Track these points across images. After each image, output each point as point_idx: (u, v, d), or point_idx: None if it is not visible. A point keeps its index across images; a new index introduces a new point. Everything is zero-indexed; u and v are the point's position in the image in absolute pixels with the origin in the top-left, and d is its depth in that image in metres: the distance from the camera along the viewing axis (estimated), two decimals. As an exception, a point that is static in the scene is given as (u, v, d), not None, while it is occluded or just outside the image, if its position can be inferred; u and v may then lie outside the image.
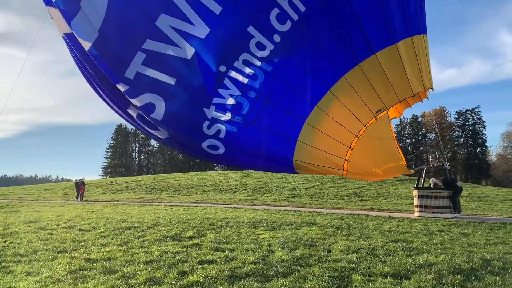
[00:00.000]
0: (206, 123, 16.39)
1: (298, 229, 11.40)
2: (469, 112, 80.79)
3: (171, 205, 22.49)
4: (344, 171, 16.24)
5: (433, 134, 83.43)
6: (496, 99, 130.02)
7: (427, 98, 16.79)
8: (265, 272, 6.44)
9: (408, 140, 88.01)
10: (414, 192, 17.17)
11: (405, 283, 5.93)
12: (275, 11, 14.56)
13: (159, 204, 23.60)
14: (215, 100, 16.26)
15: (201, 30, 15.45)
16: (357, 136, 15.53)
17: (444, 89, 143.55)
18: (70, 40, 17.09)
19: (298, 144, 15.81)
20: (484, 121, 79.78)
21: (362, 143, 15.64)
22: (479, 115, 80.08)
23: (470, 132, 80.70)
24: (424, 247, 8.76)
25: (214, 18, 14.98)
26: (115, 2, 15.94)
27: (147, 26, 15.90)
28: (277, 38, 14.83)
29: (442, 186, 16.91)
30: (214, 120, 16.39)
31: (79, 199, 30.16)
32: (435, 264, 7.05)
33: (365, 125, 15.78)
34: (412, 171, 18.18)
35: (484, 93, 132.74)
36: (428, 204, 16.38)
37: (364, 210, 19.48)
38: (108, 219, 13.01)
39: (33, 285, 5.65)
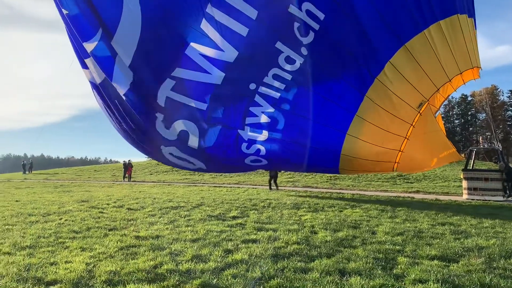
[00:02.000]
0: (244, 144, 16.17)
1: (341, 211, 11.33)
2: (524, 90, 76.34)
3: (214, 186, 22.93)
4: (394, 170, 15.37)
5: (484, 114, 79.72)
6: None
7: (478, 77, 15.76)
8: (308, 252, 6.47)
9: (456, 121, 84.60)
10: (463, 174, 16.57)
11: (453, 266, 5.78)
12: (296, 24, 14.07)
13: (203, 185, 24.12)
14: (248, 120, 16.09)
15: (230, 54, 15.25)
16: (406, 137, 14.98)
17: (496, 66, 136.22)
18: (103, 88, 16.85)
19: (342, 157, 15.39)
20: (540, 100, 75.24)
21: (412, 143, 15.02)
22: (535, 93, 75.55)
23: (524, 112, 76.43)
24: (473, 230, 8.48)
25: (242, 41, 14.79)
26: (146, 35, 15.58)
27: (177, 55, 15.63)
28: (304, 50, 14.39)
29: (501, 170, 16.08)
30: (252, 141, 16.18)
31: (126, 180, 31.34)
32: (485, 247, 6.81)
33: (412, 124, 15.15)
34: (463, 155, 17.50)
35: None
36: (478, 187, 15.76)
37: (410, 192, 19.04)
38: (155, 199, 13.46)
39: (88, 260, 5.97)
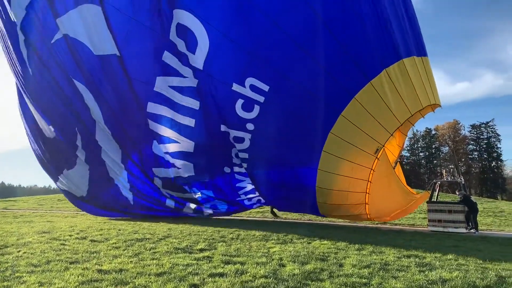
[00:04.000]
0: (248, 202, 17.85)
1: (310, 242, 11.33)
2: (483, 125, 79.88)
3: (181, 216, 22.49)
4: (368, 215, 16.79)
5: (447, 148, 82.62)
6: (510, 113, 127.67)
7: (433, 110, 16.89)
8: (275, 286, 6.41)
9: (421, 153, 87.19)
10: (427, 206, 16.97)
11: (418, 299, 5.85)
12: (240, 102, 15.69)
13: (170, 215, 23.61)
14: (241, 191, 17.81)
15: (187, 145, 17.19)
16: (369, 181, 16.20)
17: (457, 101, 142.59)
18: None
19: (319, 205, 16.65)
20: (499, 135, 78.86)
21: (375, 185, 16.19)
22: (493, 128, 79.16)
23: (485, 146, 79.72)
24: (437, 262, 8.64)
25: (193, 131, 16.62)
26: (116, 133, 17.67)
27: (151, 157, 17.84)
28: (250, 126, 15.93)
29: (459, 200, 16.69)
30: (250, 199, 17.78)
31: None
32: (448, 280, 6.94)
33: (372, 169, 16.51)
34: (428, 191, 18.08)
35: (498, 106, 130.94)
36: (442, 219, 16.16)
37: (377, 224, 19.28)
38: (119, 230, 13.08)
39: (46, 296, 5.70)
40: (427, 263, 8.52)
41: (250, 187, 16.49)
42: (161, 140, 15.64)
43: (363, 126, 14.51)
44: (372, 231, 15.32)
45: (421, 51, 15.42)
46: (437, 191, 18.10)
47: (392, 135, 15.14)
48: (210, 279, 6.81)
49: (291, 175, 15.53)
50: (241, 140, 14.92)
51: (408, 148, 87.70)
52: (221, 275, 7.12)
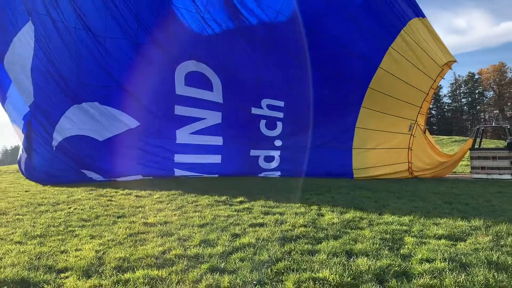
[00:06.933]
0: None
1: (348, 193, 11.34)
2: (532, 66, 75.10)
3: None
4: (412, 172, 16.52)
5: (491, 92, 78.86)
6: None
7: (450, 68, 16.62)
8: (315, 234, 6.52)
9: (463, 99, 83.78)
10: (470, 153, 16.48)
11: (460, 244, 5.79)
12: (263, 122, 16.10)
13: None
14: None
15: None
16: (409, 161, 16.05)
17: (501, 43, 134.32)
18: None
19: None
20: (549, 76, 74.05)
21: (416, 165, 15.96)
22: (543, 69, 74.35)
23: (533, 88, 75.39)
24: (481, 209, 8.47)
25: (220, 167, 16.41)
26: None
27: None
28: (278, 142, 16.41)
29: (505, 145, 16.14)
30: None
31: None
32: (492, 225, 6.81)
33: (410, 148, 16.43)
34: (472, 138, 17.54)
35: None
36: (486, 165, 15.70)
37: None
38: (162, 186, 13.53)
39: (98, 247, 6.06)
40: (470, 210, 8.37)
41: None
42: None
43: (388, 109, 15.07)
44: (412, 180, 15.13)
45: (421, 13, 15.18)
46: (480, 137, 17.48)
47: (421, 107, 15.09)
48: (250, 228, 7.00)
49: (329, 163, 16.30)
50: (271, 159, 15.99)
51: (449, 94, 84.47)
52: (261, 225, 7.29)
